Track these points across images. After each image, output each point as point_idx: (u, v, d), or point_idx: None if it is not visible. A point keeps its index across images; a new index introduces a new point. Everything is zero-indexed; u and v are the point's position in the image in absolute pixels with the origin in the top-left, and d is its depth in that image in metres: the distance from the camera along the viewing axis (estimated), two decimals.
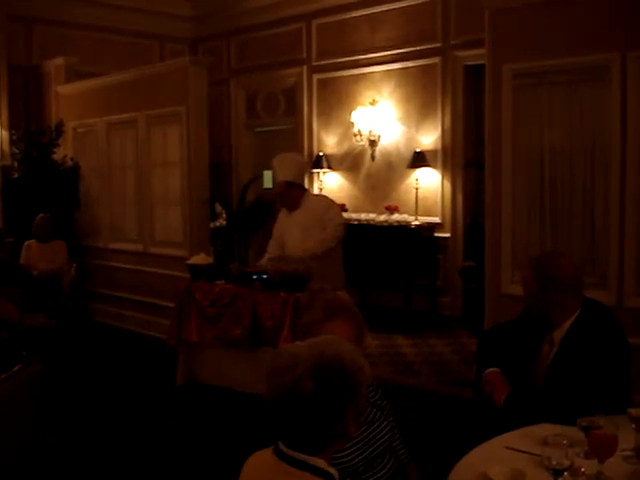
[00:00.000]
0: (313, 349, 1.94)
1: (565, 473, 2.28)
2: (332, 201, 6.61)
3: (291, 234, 6.27)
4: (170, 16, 11.82)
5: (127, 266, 9.35)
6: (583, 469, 2.36)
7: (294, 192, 6.26)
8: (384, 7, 9.69)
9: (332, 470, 1.92)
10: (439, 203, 9.30)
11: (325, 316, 2.61)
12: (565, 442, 2.30)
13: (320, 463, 1.89)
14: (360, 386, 1.92)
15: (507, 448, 2.64)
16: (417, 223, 9.10)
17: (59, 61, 10.14)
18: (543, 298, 3.27)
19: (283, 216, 6.46)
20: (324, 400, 1.86)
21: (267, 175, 11.63)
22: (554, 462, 2.26)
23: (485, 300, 6.08)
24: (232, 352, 6.34)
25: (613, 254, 5.31)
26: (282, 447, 1.92)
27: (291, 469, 1.88)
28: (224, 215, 9.36)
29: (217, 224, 9.44)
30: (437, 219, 9.29)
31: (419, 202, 9.24)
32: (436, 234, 9.21)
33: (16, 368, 3.75)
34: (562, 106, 5.51)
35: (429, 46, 9.28)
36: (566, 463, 2.25)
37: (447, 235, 9.25)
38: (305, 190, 6.41)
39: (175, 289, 6.86)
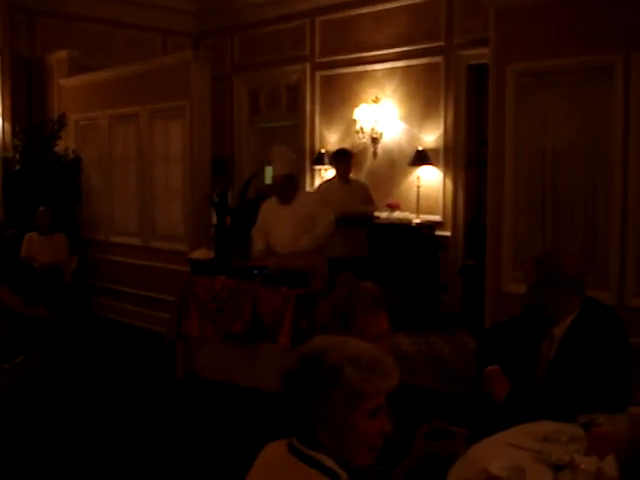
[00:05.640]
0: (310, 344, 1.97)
1: (565, 469, 2.30)
2: (323, 198, 6.80)
3: (280, 228, 6.38)
4: (173, 10, 11.81)
5: (128, 260, 9.35)
6: (583, 465, 2.38)
7: (293, 186, 6.44)
8: (388, 5, 9.69)
9: (342, 472, 1.91)
10: (440, 201, 9.31)
11: (375, 307, 2.63)
12: (565, 438, 2.32)
13: (329, 462, 1.89)
14: (332, 386, 1.86)
15: (507, 444, 2.65)
16: (418, 221, 9.11)
17: (62, 54, 10.13)
18: (543, 294, 3.30)
19: (270, 208, 6.59)
20: (292, 392, 1.91)
21: (268, 171, 11.64)
22: (554, 458, 2.28)
23: (485, 299, 6.09)
24: (232, 347, 6.37)
25: (614, 254, 5.33)
26: (295, 441, 1.93)
27: (299, 463, 1.89)
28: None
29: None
30: (438, 217, 9.30)
31: (420, 200, 9.26)
32: (437, 232, 9.22)
33: (18, 359, 3.77)
34: (565, 106, 5.52)
35: (432, 45, 9.27)
36: (566, 459, 2.27)
37: (448, 234, 9.26)
38: (298, 185, 6.54)
39: (175, 283, 6.88)
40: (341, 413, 1.86)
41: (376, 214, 9.28)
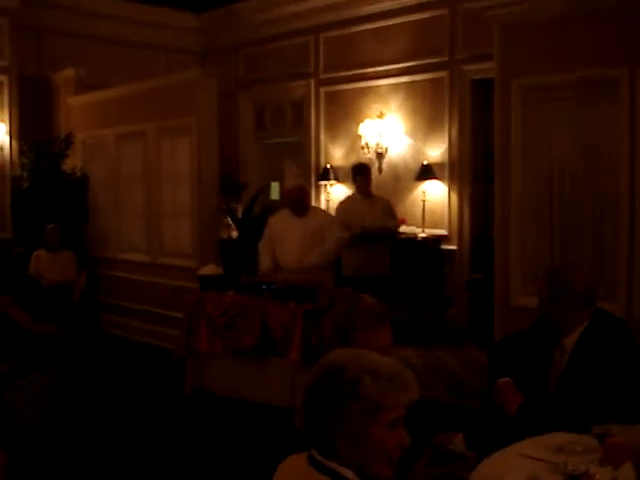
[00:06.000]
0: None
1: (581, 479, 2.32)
2: (334, 216, 7.24)
3: (290, 240, 6.44)
4: (178, 28, 11.92)
5: (135, 277, 9.39)
6: (598, 475, 2.40)
7: (307, 198, 6.59)
8: (391, 21, 9.77)
9: None
10: (446, 216, 9.35)
11: (376, 322, 2.64)
12: (580, 449, 2.34)
13: (348, 473, 1.90)
14: (351, 398, 1.88)
15: (522, 456, 2.67)
16: (424, 235, 9.15)
17: (69, 73, 10.21)
18: (555, 309, 3.33)
19: (280, 220, 6.65)
20: (312, 403, 1.92)
21: (274, 187, 11.70)
22: (570, 468, 2.30)
23: (494, 313, 6.10)
24: (241, 362, 6.38)
25: (622, 267, 5.34)
26: (314, 453, 1.95)
27: (319, 475, 1.90)
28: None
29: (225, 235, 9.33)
30: (444, 231, 9.33)
31: (426, 215, 9.30)
32: (443, 246, 9.25)
33: (32, 376, 3.80)
34: (571, 121, 5.54)
35: (436, 60, 9.34)
36: (582, 468, 2.29)
37: (454, 248, 9.29)
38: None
39: (184, 300, 6.90)
40: (360, 424, 1.88)
41: None
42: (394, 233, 8.39)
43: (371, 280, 7.26)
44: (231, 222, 8.84)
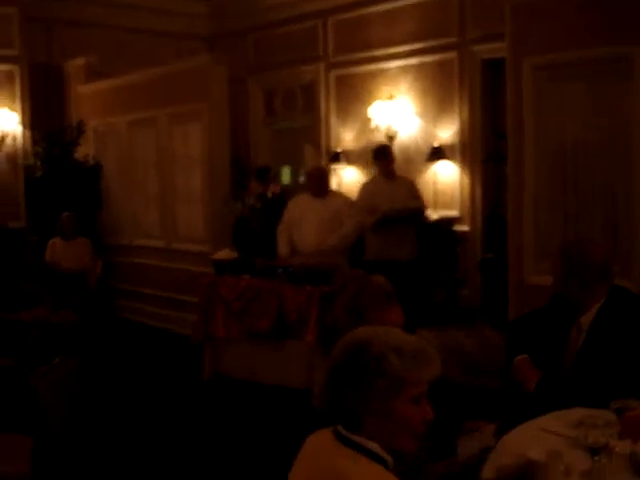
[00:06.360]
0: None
1: (601, 452, 2.34)
2: (352, 199, 7.12)
3: (309, 222, 6.49)
4: (187, 14, 11.90)
5: (150, 262, 9.46)
6: (617, 448, 2.43)
7: (328, 179, 6.64)
8: (400, 2, 9.72)
9: (387, 457, 1.96)
10: (458, 197, 9.35)
11: (386, 301, 2.68)
12: (601, 422, 2.37)
13: (375, 446, 1.94)
14: (377, 374, 1.92)
15: (543, 430, 2.70)
16: (436, 217, 9.16)
17: (79, 61, 10.26)
18: (570, 284, 3.33)
19: (300, 202, 6.69)
20: (338, 380, 1.96)
21: (285, 171, 11.72)
22: (590, 440, 2.33)
23: (508, 292, 6.12)
24: (258, 345, 6.43)
25: (636, 243, 5.36)
26: (340, 428, 1.98)
27: (345, 449, 1.94)
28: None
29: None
30: (456, 212, 9.34)
31: (438, 196, 9.31)
32: (455, 227, 9.26)
33: (55, 362, 3.85)
34: (583, 99, 5.55)
35: (446, 41, 9.31)
36: (602, 441, 2.32)
37: (466, 228, 9.30)
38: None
39: (198, 284, 6.94)
40: (385, 400, 1.92)
41: None
42: (420, 214, 7.98)
43: (392, 265, 7.05)
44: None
